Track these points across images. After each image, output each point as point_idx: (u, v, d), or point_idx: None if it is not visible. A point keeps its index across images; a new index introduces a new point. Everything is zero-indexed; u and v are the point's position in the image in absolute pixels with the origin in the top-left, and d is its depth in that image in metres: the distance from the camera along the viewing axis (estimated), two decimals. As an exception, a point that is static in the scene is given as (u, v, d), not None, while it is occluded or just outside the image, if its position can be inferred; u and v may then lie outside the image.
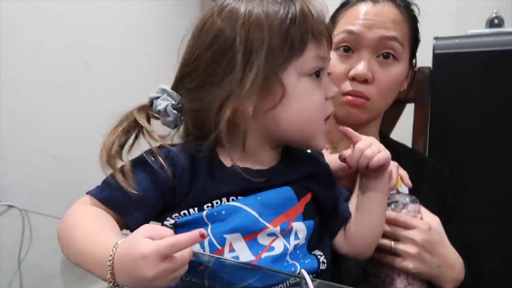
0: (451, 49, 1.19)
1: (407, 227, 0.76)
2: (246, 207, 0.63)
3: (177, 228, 0.63)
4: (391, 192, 0.79)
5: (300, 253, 0.66)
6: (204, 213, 0.62)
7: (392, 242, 0.76)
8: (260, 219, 0.63)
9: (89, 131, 1.77)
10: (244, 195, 0.64)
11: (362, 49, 0.90)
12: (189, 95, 0.66)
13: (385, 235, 0.76)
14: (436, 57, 1.18)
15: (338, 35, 0.91)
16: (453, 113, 1.20)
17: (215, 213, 0.62)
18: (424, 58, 1.05)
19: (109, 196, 0.62)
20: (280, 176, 0.67)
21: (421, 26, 0.97)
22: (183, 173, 0.63)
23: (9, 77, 1.46)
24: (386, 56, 0.91)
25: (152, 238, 0.47)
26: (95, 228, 0.57)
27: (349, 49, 0.91)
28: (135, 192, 0.60)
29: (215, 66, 0.63)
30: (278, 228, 0.63)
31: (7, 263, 0.79)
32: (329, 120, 0.69)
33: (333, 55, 0.90)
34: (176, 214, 0.64)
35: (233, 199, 0.63)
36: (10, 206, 1.13)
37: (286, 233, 0.64)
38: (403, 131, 1.23)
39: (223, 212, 0.62)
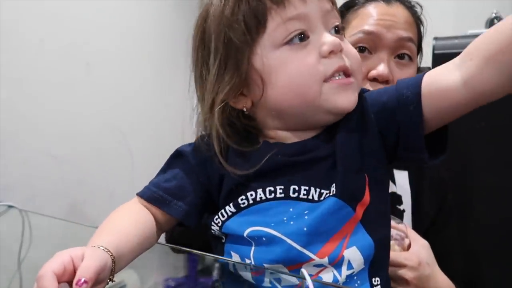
0: (451, 49, 1.19)
1: (397, 265, 0.74)
2: (288, 239, 0.56)
3: (227, 243, 0.62)
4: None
5: (358, 280, 0.57)
6: (245, 232, 0.58)
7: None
8: (305, 251, 0.56)
9: (89, 131, 1.78)
10: (277, 180, 0.59)
11: (381, 49, 0.89)
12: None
13: None
14: (436, 57, 1.18)
15: (353, 35, 0.90)
16: (452, 113, 1.19)
17: (256, 237, 0.58)
18: (424, 58, 1.05)
19: (150, 193, 0.63)
20: (320, 146, 0.59)
21: (426, 30, 0.98)
22: (213, 157, 0.61)
23: (9, 77, 1.46)
24: (402, 56, 0.91)
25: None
26: (101, 229, 0.58)
27: (365, 49, 0.90)
28: (171, 184, 0.62)
29: (193, 69, 0.64)
30: (325, 259, 0.56)
31: (7, 263, 0.79)
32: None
33: None
34: (216, 217, 0.62)
35: (270, 191, 0.58)
36: (10, 206, 1.13)
37: (336, 263, 0.56)
38: (403, 131, 1.22)
39: (264, 239, 0.57)
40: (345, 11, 0.95)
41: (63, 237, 0.90)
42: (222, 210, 0.61)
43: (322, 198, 0.57)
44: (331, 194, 0.57)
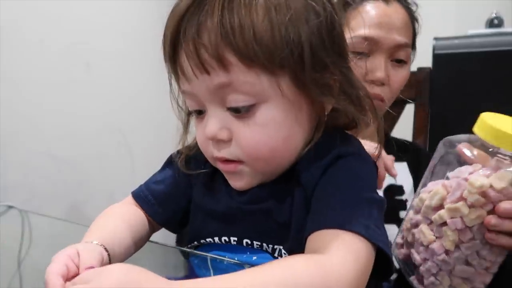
0: (451, 49, 1.19)
1: None
2: None
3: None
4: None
5: None
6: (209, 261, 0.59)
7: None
8: None
9: (89, 131, 1.77)
10: (231, 229, 0.57)
11: (378, 53, 0.90)
12: None
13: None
14: (436, 57, 1.18)
15: (351, 39, 0.89)
16: (453, 113, 1.20)
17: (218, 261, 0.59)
18: (424, 58, 1.05)
19: (138, 191, 0.65)
20: (275, 196, 0.56)
21: (421, 27, 0.98)
22: (192, 175, 0.62)
23: (9, 77, 1.46)
24: (398, 60, 0.93)
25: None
26: (92, 227, 0.58)
27: (362, 53, 0.90)
28: (159, 187, 0.63)
29: None
30: None
31: (7, 264, 0.79)
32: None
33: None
34: (187, 246, 0.64)
35: (225, 240, 0.57)
36: (10, 207, 1.13)
37: None
38: (403, 131, 1.23)
39: (224, 263, 0.59)
40: (344, 7, 0.93)
41: (63, 237, 0.90)
42: (190, 245, 0.62)
43: (276, 254, 0.55)
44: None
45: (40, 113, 1.57)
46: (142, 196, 0.64)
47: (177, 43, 0.51)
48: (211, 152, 0.55)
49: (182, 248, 0.65)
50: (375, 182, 0.56)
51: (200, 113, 0.55)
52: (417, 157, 1.02)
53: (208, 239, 0.59)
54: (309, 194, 0.53)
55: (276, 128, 0.52)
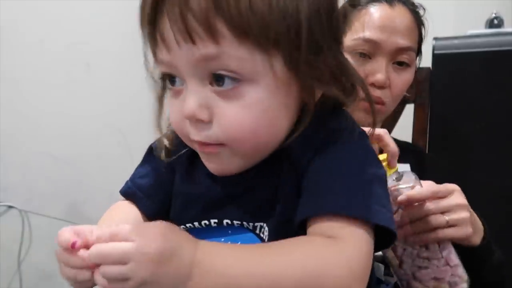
0: (451, 49, 1.19)
1: (445, 195, 0.71)
2: None
3: None
4: (395, 177, 0.72)
5: None
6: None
7: (446, 216, 0.69)
8: None
9: (89, 131, 1.77)
10: (211, 212, 0.55)
11: (379, 55, 0.90)
12: None
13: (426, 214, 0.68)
14: (436, 57, 1.18)
15: (354, 40, 0.90)
16: (452, 113, 1.20)
17: None
18: (424, 58, 1.05)
19: (126, 188, 0.64)
20: (260, 177, 0.53)
21: (427, 31, 0.99)
22: (173, 162, 0.61)
23: (9, 77, 1.46)
24: (400, 63, 0.93)
25: None
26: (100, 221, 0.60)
27: (364, 55, 0.91)
28: (144, 180, 0.63)
29: None
30: None
31: (7, 263, 0.79)
32: None
33: (348, 57, 0.88)
34: None
35: (205, 224, 0.55)
36: (10, 207, 1.13)
37: None
38: (403, 131, 1.23)
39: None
40: (349, 8, 0.93)
41: (63, 237, 0.90)
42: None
43: (258, 231, 0.53)
44: (265, 235, 0.52)
45: (40, 113, 1.57)
46: (131, 193, 0.63)
47: (160, 5, 0.46)
48: (187, 133, 0.50)
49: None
50: (373, 155, 0.53)
51: (173, 82, 0.50)
52: (420, 161, 1.01)
53: (188, 225, 0.57)
54: (300, 172, 0.50)
55: (262, 110, 0.47)
